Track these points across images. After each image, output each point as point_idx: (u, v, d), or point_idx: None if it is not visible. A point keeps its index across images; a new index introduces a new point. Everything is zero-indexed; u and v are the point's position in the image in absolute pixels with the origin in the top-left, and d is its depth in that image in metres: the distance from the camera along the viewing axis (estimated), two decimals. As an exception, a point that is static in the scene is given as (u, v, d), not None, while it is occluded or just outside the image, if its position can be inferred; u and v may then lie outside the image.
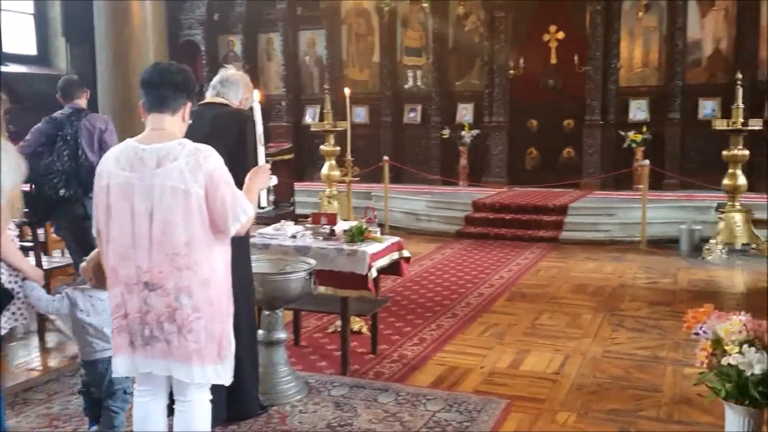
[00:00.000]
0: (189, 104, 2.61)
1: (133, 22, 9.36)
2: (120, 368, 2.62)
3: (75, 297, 3.13)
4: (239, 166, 2.96)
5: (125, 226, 2.51)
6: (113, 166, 2.54)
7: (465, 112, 11.82)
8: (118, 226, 2.53)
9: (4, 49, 12.82)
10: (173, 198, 2.45)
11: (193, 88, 2.62)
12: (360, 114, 12.52)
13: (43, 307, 3.15)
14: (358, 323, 5.15)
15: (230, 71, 3.63)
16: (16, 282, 3.14)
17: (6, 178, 2.77)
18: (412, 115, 12.28)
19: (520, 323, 5.43)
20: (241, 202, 2.53)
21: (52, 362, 4.87)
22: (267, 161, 3.05)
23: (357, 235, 4.31)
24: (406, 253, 4.66)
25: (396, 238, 4.66)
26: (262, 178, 2.75)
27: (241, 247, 3.36)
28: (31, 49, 13.66)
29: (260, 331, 4.02)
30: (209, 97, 3.55)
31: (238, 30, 13.35)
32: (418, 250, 8.28)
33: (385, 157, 10.19)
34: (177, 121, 2.59)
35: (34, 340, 5.22)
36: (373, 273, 4.20)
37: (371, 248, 4.26)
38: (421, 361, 4.62)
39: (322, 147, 9.57)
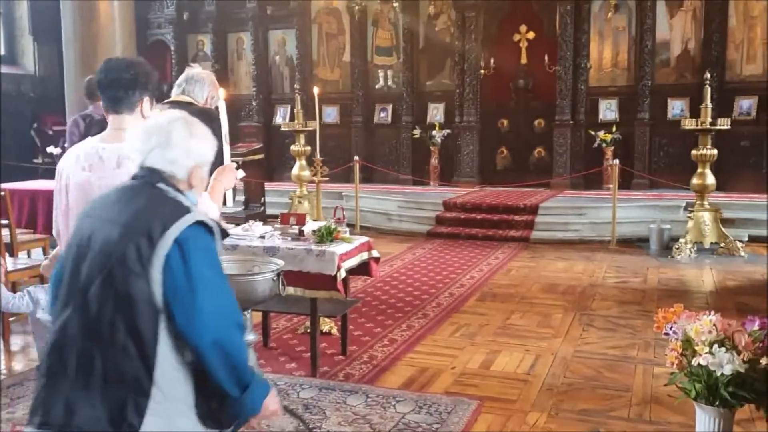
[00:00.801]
0: (146, 99, 2.52)
1: (101, 19, 9.18)
2: None
3: (37, 296, 3.01)
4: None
5: None
6: (73, 165, 2.47)
7: (436, 112, 11.81)
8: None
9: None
10: None
11: (147, 81, 2.51)
12: (331, 114, 12.45)
13: (3, 304, 3.03)
14: (327, 324, 5.08)
15: (196, 69, 3.57)
16: None
17: None
18: (383, 115, 12.23)
19: (491, 323, 5.40)
20: (204, 203, 2.45)
21: (17, 366, 4.72)
22: (235, 161, 2.97)
23: (326, 236, 4.25)
24: (375, 253, 4.61)
25: (365, 238, 4.60)
26: (228, 178, 2.68)
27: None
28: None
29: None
30: (175, 95, 3.48)
31: (207, 29, 13.19)
32: (389, 250, 8.23)
33: (356, 157, 10.14)
34: (137, 119, 2.50)
35: (-2, 343, 5.08)
36: (342, 273, 4.15)
37: (340, 248, 4.20)
38: (391, 362, 4.56)
39: (292, 147, 9.49)
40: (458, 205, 9.72)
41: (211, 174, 2.70)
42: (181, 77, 3.52)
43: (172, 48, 13.39)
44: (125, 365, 1.78)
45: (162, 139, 1.95)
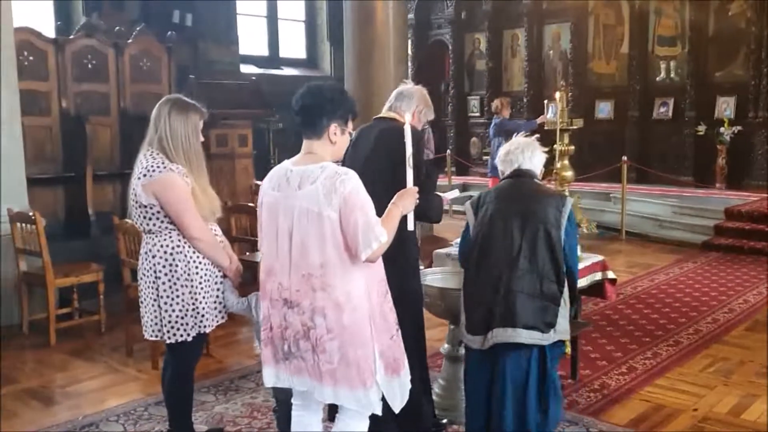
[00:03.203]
0: (335, 125, 2.56)
1: (377, 24, 9.50)
2: (267, 379, 2.72)
3: (251, 302, 3.24)
4: (403, 182, 2.83)
5: (271, 243, 2.59)
6: (267, 185, 2.64)
7: (725, 107, 10.51)
8: (266, 242, 2.63)
9: (281, 54, 14.24)
10: (308, 220, 2.47)
11: (335, 108, 2.55)
12: (604, 109, 11.80)
13: (228, 306, 3.33)
14: (561, 343, 4.81)
15: (408, 85, 3.57)
16: (216, 281, 3.28)
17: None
18: (663, 110, 11.23)
19: (756, 360, 4.66)
20: (374, 228, 2.44)
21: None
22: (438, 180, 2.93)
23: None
24: (610, 274, 4.26)
25: (599, 258, 4.27)
26: (407, 202, 2.64)
27: (408, 263, 3.32)
28: (302, 53, 14.96)
29: (445, 346, 3.94)
30: (383, 111, 3.52)
31: (483, 27, 13.34)
32: (653, 262, 7.58)
33: (624, 158, 9.44)
34: (325, 145, 2.57)
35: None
36: (566, 296, 3.89)
37: (566, 268, 3.95)
38: (624, 394, 4.17)
39: (555, 146, 9.15)
40: (743, 213, 8.57)
41: (392, 197, 2.68)
42: (394, 93, 3.55)
43: (450, 47, 13.78)
44: (549, 286, 2.93)
45: (531, 152, 3.17)
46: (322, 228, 2.45)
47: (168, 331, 3.20)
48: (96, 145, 7.20)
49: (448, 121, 13.94)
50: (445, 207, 3.59)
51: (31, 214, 5.36)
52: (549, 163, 7.36)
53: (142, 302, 3.29)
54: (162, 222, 3.17)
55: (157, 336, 3.27)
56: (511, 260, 2.94)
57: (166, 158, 3.17)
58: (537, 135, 3.42)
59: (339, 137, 2.60)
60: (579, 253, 4.19)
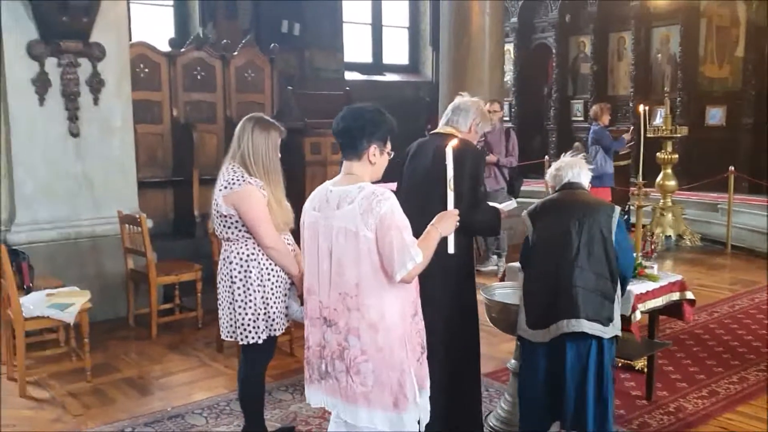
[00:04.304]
0: (374, 146, 2.59)
1: (472, 29, 9.51)
2: (308, 397, 2.75)
3: None
4: (457, 198, 2.82)
5: (312, 262, 2.64)
6: (308, 206, 2.69)
7: None
8: (308, 261, 2.68)
9: (384, 60, 14.52)
10: (346, 239, 2.49)
11: (375, 130, 2.58)
12: (715, 115, 11.23)
13: (290, 313, 3.50)
14: (641, 362, 4.70)
15: (464, 98, 3.53)
16: (286, 287, 3.48)
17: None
18: (782, 116, 10.56)
19: None
20: (410, 248, 2.44)
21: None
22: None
23: (627, 271, 3.96)
24: (689, 295, 4.12)
25: (677, 277, 4.14)
26: (446, 224, 2.62)
27: (468, 277, 3.39)
28: (404, 59, 15.18)
29: (512, 361, 3.96)
30: (440, 126, 3.54)
31: (588, 30, 13.03)
32: (756, 279, 7.19)
33: (731, 167, 8.96)
34: (364, 165, 2.60)
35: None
36: (637, 315, 3.81)
37: (639, 287, 3.87)
38: (700, 419, 4.04)
39: (657, 154, 8.88)
40: None
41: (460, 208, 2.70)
42: (449, 107, 3.54)
43: (554, 51, 13.55)
44: (604, 283, 3.19)
45: (579, 169, 3.49)
46: (359, 247, 2.47)
47: (241, 333, 3.42)
48: (203, 151, 7.65)
49: (551, 125, 13.72)
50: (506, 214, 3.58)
51: (137, 216, 5.81)
52: (628, 175, 7.14)
53: (219, 305, 3.54)
54: (239, 231, 3.40)
55: (231, 337, 3.50)
56: (571, 259, 3.20)
57: (246, 172, 3.40)
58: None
59: (378, 158, 2.62)
60: (655, 271, 4.13)
